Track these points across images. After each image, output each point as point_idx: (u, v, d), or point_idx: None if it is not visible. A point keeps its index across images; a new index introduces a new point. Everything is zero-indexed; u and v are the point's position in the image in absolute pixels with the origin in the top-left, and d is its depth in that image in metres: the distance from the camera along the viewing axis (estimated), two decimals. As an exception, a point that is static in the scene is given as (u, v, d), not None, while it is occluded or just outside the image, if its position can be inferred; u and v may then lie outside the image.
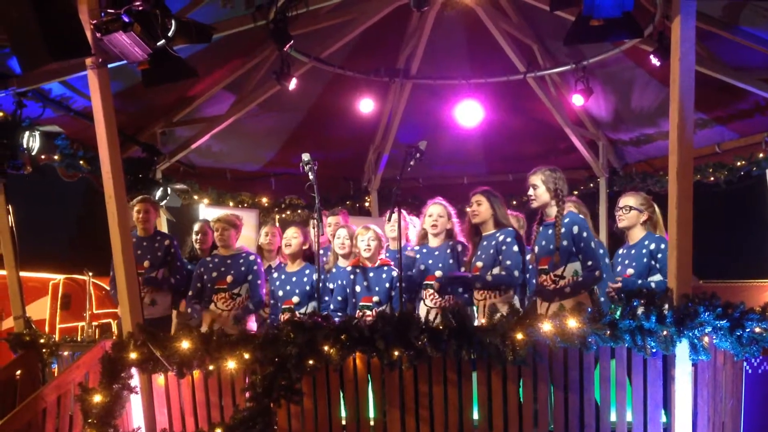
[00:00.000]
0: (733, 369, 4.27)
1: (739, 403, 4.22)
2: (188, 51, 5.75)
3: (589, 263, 4.74)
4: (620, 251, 5.29)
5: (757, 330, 4.12)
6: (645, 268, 4.96)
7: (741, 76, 6.97)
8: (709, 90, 7.02)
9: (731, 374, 4.28)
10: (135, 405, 4.76)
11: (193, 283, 5.95)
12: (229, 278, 5.80)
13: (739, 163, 7.77)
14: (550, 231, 4.84)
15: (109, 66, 4.90)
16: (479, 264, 5.19)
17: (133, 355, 4.65)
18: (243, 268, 5.84)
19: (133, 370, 4.71)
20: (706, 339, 4.21)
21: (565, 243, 4.77)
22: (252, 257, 5.92)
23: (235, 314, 5.67)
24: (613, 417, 4.42)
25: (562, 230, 4.79)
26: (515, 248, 5.10)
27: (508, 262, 5.06)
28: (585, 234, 4.79)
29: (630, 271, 5.04)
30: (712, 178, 7.92)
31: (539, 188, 4.93)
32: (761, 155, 7.47)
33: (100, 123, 4.81)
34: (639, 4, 6.21)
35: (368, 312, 5.30)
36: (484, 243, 5.25)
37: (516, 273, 5.06)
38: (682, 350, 4.24)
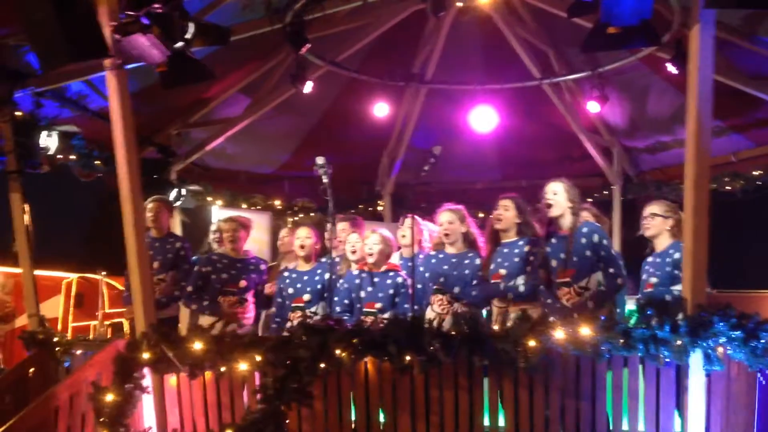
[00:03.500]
0: (747, 380, 4.23)
1: (752, 415, 4.18)
2: (205, 52, 5.78)
3: (611, 270, 4.76)
4: (648, 259, 5.24)
5: (772, 341, 4.09)
6: (668, 277, 4.92)
7: (758, 85, 6.93)
8: (726, 98, 6.97)
9: (745, 385, 4.24)
10: (147, 405, 4.77)
11: (193, 280, 5.88)
12: (242, 283, 5.83)
13: (755, 173, 7.72)
14: (565, 243, 4.84)
15: (127, 67, 4.93)
16: (502, 272, 5.11)
17: (145, 355, 4.66)
18: (254, 275, 5.88)
19: (146, 370, 4.73)
20: (720, 349, 4.17)
21: (588, 254, 4.78)
22: (262, 266, 5.97)
23: (241, 319, 5.69)
24: (625, 426, 4.40)
25: (583, 241, 4.80)
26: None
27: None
28: (605, 242, 4.84)
29: (654, 280, 5.00)
30: (728, 188, 7.87)
31: (560, 195, 4.92)
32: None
33: (118, 124, 4.84)
34: (656, 12, 6.19)
35: (370, 317, 5.28)
36: (506, 250, 5.18)
37: None
38: (695, 360, 4.20)
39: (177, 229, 7.83)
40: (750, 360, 4.13)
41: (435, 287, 5.34)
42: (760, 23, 6.26)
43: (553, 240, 4.94)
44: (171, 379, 4.80)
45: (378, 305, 5.39)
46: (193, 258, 6.36)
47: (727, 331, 4.12)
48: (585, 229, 4.87)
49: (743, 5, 4.41)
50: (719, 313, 4.15)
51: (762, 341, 4.09)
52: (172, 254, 6.15)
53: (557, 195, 4.93)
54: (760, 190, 7.67)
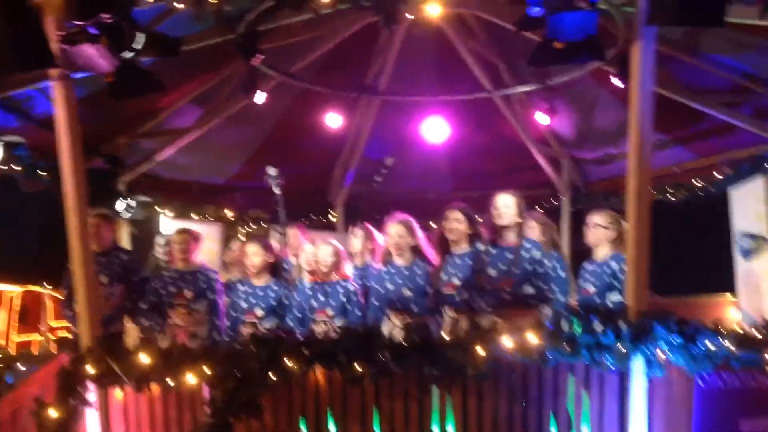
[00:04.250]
0: (686, 384, 4.34)
1: (691, 418, 4.30)
2: (156, 63, 5.74)
3: (545, 285, 4.98)
4: (586, 266, 5.37)
5: (710, 346, 4.21)
6: (606, 286, 5.06)
7: (699, 99, 7.14)
8: (669, 111, 7.17)
9: (684, 389, 4.35)
10: (91, 420, 4.68)
11: (147, 297, 5.89)
12: (188, 293, 5.78)
13: (697, 183, 7.94)
14: (509, 255, 4.93)
15: (75, 76, 4.87)
16: (456, 282, 5.17)
17: (90, 370, 4.58)
18: (203, 285, 5.83)
19: (91, 385, 4.64)
20: (661, 355, 4.29)
21: (529, 268, 4.88)
22: (213, 275, 5.91)
23: (194, 332, 5.63)
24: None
25: (525, 255, 4.93)
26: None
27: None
28: (546, 259, 5.05)
29: (591, 288, 5.13)
30: (671, 197, 8.08)
31: (511, 208, 5.04)
32: (719, 176, 7.63)
33: (63, 134, 4.77)
34: (603, 27, 6.35)
35: (323, 326, 5.29)
36: (459, 261, 5.24)
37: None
38: (637, 366, 4.31)
39: (125, 241, 7.72)
40: (689, 364, 4.25)
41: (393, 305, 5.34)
42: (701, 38, 6.46)
43: (494, 251, 5.02)
44: (117, 393, 4.73)
45: (330, 313, 5.42)
46: (144, 274, 6.28)
47: (667, 336, 4.23)
48: (527, 245, 5.00)
49: (682, 23, 4.55)
50: (660, 320, 4.27)
51: (700, 346, 4.21)
52: (119, 268, 6.06)
53: (508, 208, 5.05)
54: (701, 200, 7.88)
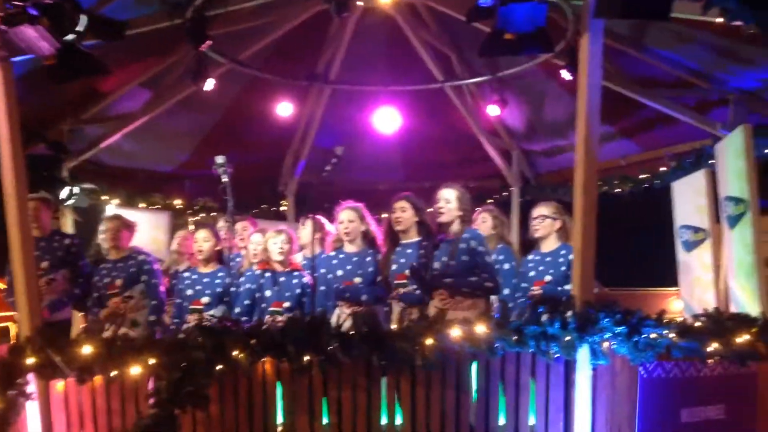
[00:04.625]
0: (630, 373, 4.43)
1: (634, 407, 4.39)
2: (101, 46, 5.60)
3: (484, 275, 4.99)
4: (531, 257, 5.44)
5: (653, 336, 4.29)
6: (563, 276, 5.13)
7: (645, 93, 7.27)
8: (616, 104, 7.30)
9: (628, 378, 4.44)
10: (31, 412, 4.56)
11: (90, 291, 5.80)
12: (118, 282, 5.67)
13: (642, 176, 8.10)
14: (450, 247, 4.99)
15: (14, 60, 4.71)
16: (407, 272, 5.13)
17: (30, 361, 4.45)
18: (133, 270, 5.72)
19: (30, 376, 4.51)
20: (606, 344, 4.36)
21: (465, 258, 4.93)
22: (142, 257, 5.79)
23: (133, 317, 5.54)
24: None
25: (462, 246, 4.98)
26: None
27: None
28: (481, 248, 5.04)
29: (547, 278, 5.19)
30: (617, 190, 8.23)
31: (452, 203, 5.06)
32: (663, 169, 7.80)
33: (2, 118, 4.61)
34: (553, 20, 6.42)
35: (278, 317, 5.25)
36: (409, 251, 5.22)
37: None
38: (582, 355, 4.38)
39: (69, 229, 7.54)
40: (633, 354, 4.33)
41: (342, 287, 5.31)
42: (648, 32, 6.57)
43: (441, 244, 5.06)
44: (58, 385, 4.61)
45: (286, 304, 5.37)
46: (85, 261, 6.13)
47: (612, 327, 4.30)
48: (466, 235, 5.03)
49: (629, 16, 4.60)
50: (605, 310, 4.33)
51: (644, 336, 4.29)
52: (61, 252, 5.91)
53: (450, 203, 5.08)
54: (646, 192, 8.05)
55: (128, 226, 5.91)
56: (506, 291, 5.44)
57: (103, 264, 5.84)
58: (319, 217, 5.89)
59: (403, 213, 5.23)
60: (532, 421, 4.52)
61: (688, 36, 6.10)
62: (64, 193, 7.19)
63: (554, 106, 8.65)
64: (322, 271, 5.35)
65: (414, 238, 5.26)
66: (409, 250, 5.21)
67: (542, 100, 8.68)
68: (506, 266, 5.67)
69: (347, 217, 5.40)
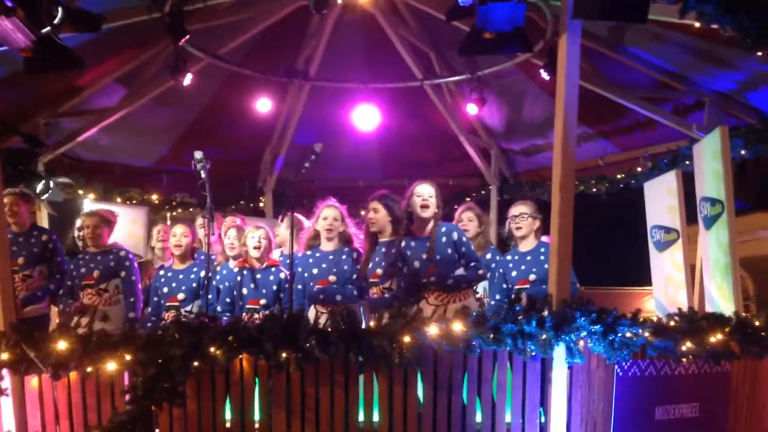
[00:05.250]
0: (605, 372, 4.46)
1: (609, 404, 4.42)
2: (78, 40, 5.54)
3: (473, 264, 5.03)
4: (510, 257, 5.44)
5: (628, 335, 4.33)
6: (546, 274, 5.14)
7: (623, 94, 7.35)
8: (595, 105, 7.38)
9: (603, 377, 4.47)
10: (5, 407, 4.51)
11: (65, 281, 5.77)
12: (96, 273, 5.63)
13: (619, 176, 8.18)
14: (428, 244, 4.99)
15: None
16: (379, 271, 5.15)
17: (4, 356, 4.40)
18: (112, 264, 5.68)
19: (4, 372, 4.46)
20: (582, 343, 4.39)
21: (449, 251, 4.95)
22: (123, 253, 5.75)
23: (104, 310, 5.50)
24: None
25: (443, 240, 5.00)
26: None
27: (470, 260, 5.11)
28: (464, 239, 5.09)
29: (532, 277, 5.21)
30: (594, 190, 8.31)
31: (435, 198, 5.06)
32: (639, 169, 7.88)
33: (-23, 111, 4.56)
34: (533, 20, 6.47)
35: (255, 315, 5.24)
36: (383, 250, 5.21)
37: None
38: (559, 353, 4.40)
39: (44, 224, 7.46)
40: (608, 352, 4.36)
41: (318, 286, 5.29)
42: (626, 34, 6.64)
43: (413, 243, 5.06)
44: (32, 381, 4.56)
45: (262, 301, 5.36)
46: (63, 257, 6.08)
47: (587, 325, 4.33)
48: (444, 229, 5.05)
49: (607, 17, 4.64)
50: (581, 309, 4.36)
51: (619, 335, 4.33)
52: (38, 248, 5.86)
53: (433, 198, 5.07)
54: (623, 192, 8.12)
55: (108, 222, 5.87)
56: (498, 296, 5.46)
57: (81, 255, 5.80)
58: (296, 215, 5.88)
59: (376, 214, 5.23)
60: (508, 418, 4.54)
61: (666, 37, 6.17)
62: (39, 187, 7.10)
63: (533, 105, 8.72)
64: (299, 269, 5.34)
65: (389, 237, 5.26)
66: (383, 249, 5.22)
67: (521, 99, 8.74)
68: (495, 266, 5.66)
69: (332, 215, 5.38)
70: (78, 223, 6.23)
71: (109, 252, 5.75)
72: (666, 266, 6.49)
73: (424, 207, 5.08)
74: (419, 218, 5.10)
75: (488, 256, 5.74)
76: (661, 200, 6.54)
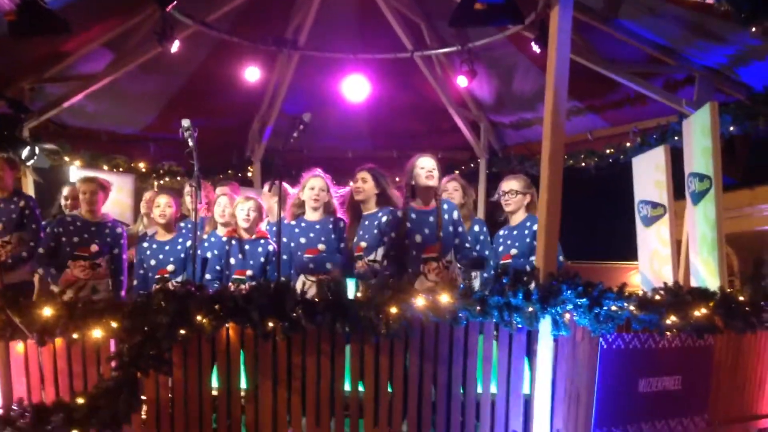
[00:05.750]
0: (590, 344, 4.50)
1: (593, 376, 4.47)
2: (64, 3, 5.44)
3: (467, 245, 5.06)
4: (501, 232, 5.47)
5: (613, 308, 4.36)
6: (528, 248, 5.18)
7: (614, 68, 7.32)
8: (585, 79, 7.34)
9: (588, 349, 4.51)
10: (-9, 373, 4.51)
11: (45, 241, 5.65)
12: (94, 247, 5.61)
13: (608, 151, 8.18)
14: (431, 218, 4.94)
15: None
16: (363, 244, 5.15)
17: (-12, 321, 4.39)
18: (109, 239, 5.65)
19: (-11, 337, 4.46)
20: (567, 316, 4.42)
21: (450, 229, 4.97)
22: (119, 229, 5.74)
23: (95, 285, 5.48)
24: (478, 389, 4.59)
25: (446, 217, 4.98)
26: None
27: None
28: (461, 220, 5.09)
29: (513, 251, 5.24)
30: (583, 164, 8.31)
31: (437, 169, 5.04)
32: (628, 144, 7.88)
33: (-40, 74, 4.49)
34: (523, -9, 6.41)
35: (242, 285, 5.23)
36: (366, 222, 5.21)
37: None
38: (544, 326, 4.43)
39: (29, 190, 7.38)
40: (593, 326, 4.40)
41: (306, 255, 5.28)
42: (618, 6, 6.59)
43: (413, 215, 5.02)
44: (18, 346, 4.55)
45: (249, 272, 5.36)
46: (44, 222, 6.02)
47: (573, 298, 4.36)
48: (446, 206, 5.03)
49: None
50: (568, 282, 4.39)
51: (604, 308, 4.36)
52: (16, 214, 5.80)
53: (436, 170, 5.04)
54: (611, 167, 8.12)
55: (104, 189, 5.83)
56: (491, 262, 5.48)
57: (70, 220, 5.71)
58: (283, 183, 5.85)
59: (364, 184, 5.23)
60: (493, 389, 4.58)
61: (660, 11, 6.12)
62: (24, 153, 7.02)
63: (523, 78, 8.66)
64: (284, 239, 5.32)
65: (373, 209, 5.25)
66: (366, 222, 5.21)
67: (511, 73, 8.69)
68: (483, 238, 5.68)
69: (319, 185, 5.37)
70: (65, 190, 6.18)
71: (105, 225, 5.70)
72: (652, 241, 6.54)
73: (429, 177, 5.02)
74: (424, 189, 5.04)
75: (476, 228, 5.74)
76: (648, 175, 6.57)
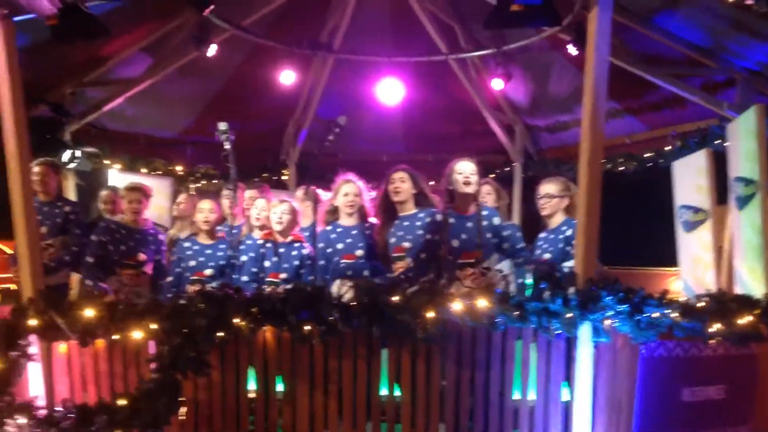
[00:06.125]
0: (631, 352, 4.43)
1: (635, 385, 4.40)
2: (104, 8, 5.52)
3: (520, 246, 5.09)
4: (541, 235, 5.42)
5: (655, 315, 4.29)
6: (561, 253, 5.10)
7: (651, 71, 7.20)
8: (623, 81, 7.23)
9: (629, 357, 4.44)
10: (34, 373, 4.57)
11: (93, 250, 5.69)
12: (141, 256, 5.71)
13: (647, 155, 8.05)
14: (469, 224, 4.91)
15: (16, 19, 4.64)
16: (406, 245, 5.11)
17: (33, 322, 4.45)
18: (153, 247, 5.79)
19: (33, 338, 4.51)
20: (607, 322, 4.36)
21: (489, 236, 4.93)
22: (160, 236, 5.87)
23: (138, 291, 5.55)
24: (516, 396, 4.54)
25: (485, 223, 4.94)
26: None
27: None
28: (502, 222, 5.07)
29: (547, 255, 5.17)
30: (621, 168, 8.19)
31: (476, 174, 5.03)
32: (667, 148, 7.75)
33: (4, 80, 4.55)
34: (559, -8, 6.33)
35: (276, 288, 5.24)
36: (405, 223, 5.17)
37: None
38: (584, 332, 4.38)
39: (70, 193, 7.51)
40: (634, 332, 4.33)
41: (342, 260, 5.27)
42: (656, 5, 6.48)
43: (452, 219, 4.98)
44: (60, 347, 4.61)
45: (282, 276, 5.36)
46: (89, 225, 6.10)
47: (614, 305, 4.30)
48: (485, 212, 4.99)
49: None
50: (608, 288, 4.32)
51: (645, 315, 4.29)
52: (60, 219, 5.91)
53: (475, 175, 5.00)
54: (650, 172, 8.00)
55: (147, 197, 5.92)
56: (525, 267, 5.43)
57: (115, 228, 5.80)
58: (315, 188, 5.87)
59: (403, 184, 5.19)
60: (532, 396, 4.53)
61: (700, 3, 5.98)
62: (66, 156, 7.14)
63: (559, 79, 8.56)
64: (321, 245, 5.32)
65: (411, 210, 5.22)
66: (406, 223, 5.18)
67: (547, 72, 8.58)
68: (522, 243, 5.61)
69: (353, 191, 5.36)
70: (103, 195, 6.26)
71: (148, 233, 5.81)
72: (694, 247, 6.42)
73: (467, 183, 4.98)
74: (462, 195, 5.01)
75: (513, 231, 5.68)
76: (690, 179, 6.45)
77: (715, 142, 6.64)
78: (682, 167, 6.70)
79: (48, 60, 6.80)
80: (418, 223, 5.15)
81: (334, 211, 5.48)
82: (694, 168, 6.44)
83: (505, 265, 5.53)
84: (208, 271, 5.56)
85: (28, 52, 6.28)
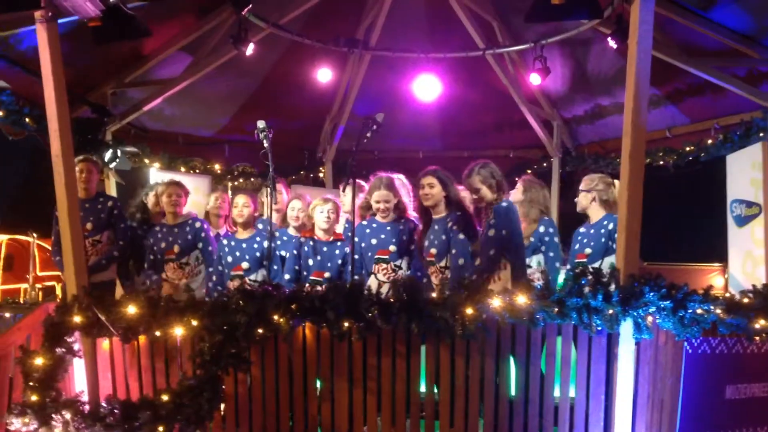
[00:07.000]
0: (674, 348, 4.36)
1: (678, 382, 4.31)
2: (143, 9, 5.58)
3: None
4: (581, 229, 5.36)
5: (699, 312, 4.21)
6: (602, 248, 5.05)
7: (693, 62, 7.07)
8: (663, 70, 7.09)
9: (672, 353, 4.37)
10: (78, 369, 4.66)
11: (146, 254, 5.95)
12: (176, 248, 5.85)
13: (688, 149, 7.91)
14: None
15: (60, 21, 4.72)
16: (433, 251, 5.10)
17: (77, 319, 4.52)
18: (190, 237, 5.89)
19: (77, 334, 4.60)
20: (650, 318, 4.29)
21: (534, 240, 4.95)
22: (198, 224, 5.95)
23: (187, 283, 5.69)
24: (556, 392, 4.50)
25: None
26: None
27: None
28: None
29: (588, 250, 5.12)
30: (661, 162, 8.06)
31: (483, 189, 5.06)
32: (710, 141, 7.60)
33: (48, 80, 4.63)
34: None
35: (318, 288, 5.25)
36: (436, 227, 5.15)
37: None
38: (626, 329, 4.31)
39: (112, 191, 7.63)
40: (677, 329, 4.25)
41: (377, 256, 5.31)
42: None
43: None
44: (104, 343, 4.69)
45: (327, 274, 5.38)
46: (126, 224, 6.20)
47: (656, 301, 4.23)
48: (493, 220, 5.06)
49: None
50: (650, 284, 4.25)
51: (689, 311, 4.21)
52: (104, 214, 6.01)
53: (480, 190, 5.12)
54: (691, 166, 7.85)
55: (186, 192, 6.06)
56: (557, 264, 5.39)
57: (158, 227, 5.98)
58: (360, 183, 5.87)
59: (431, 189, 5.14)
60: (572, 393, 4.49)
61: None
62: (107, 155, 7.26)
63: (599, 58, 8.35)
64: (355, 239, 5.33)
65: (442, 213, 5.18)
66: (437, 227, 5.16)
67: (587, 51, 8.38)
68: (555, 239, 5.55)
69: (383, 198, 5.35)
70: (152, 191, 6.38)
71: (185, 224, 5.93)
72: (745, 241, 6.27)
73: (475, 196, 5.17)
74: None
75: (541, 228, 5.57)
76: (744, 173, 6.28)
77: (760, 135, 6.49)
78: (737, 160, 6.52)
79: (90, 61, 6.92)
80: (445, 228, 5.12)
81: (368, 207, 5.50)
82: (749, 161, 6.27)
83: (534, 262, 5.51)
84: (244, 264, 5.62)
85: (72, 53, 6.41)
